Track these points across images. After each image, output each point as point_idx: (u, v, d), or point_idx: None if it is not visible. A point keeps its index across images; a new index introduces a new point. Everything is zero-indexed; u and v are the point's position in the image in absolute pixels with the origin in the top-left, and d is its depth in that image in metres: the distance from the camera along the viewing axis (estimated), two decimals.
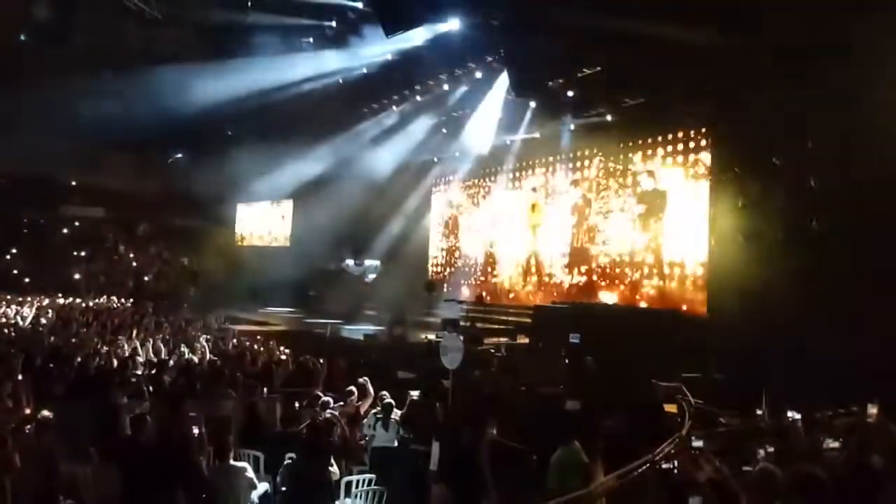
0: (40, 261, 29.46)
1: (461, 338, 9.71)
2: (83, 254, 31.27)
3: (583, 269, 17.68)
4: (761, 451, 5.64)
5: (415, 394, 8.34)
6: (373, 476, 6.17)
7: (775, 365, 9.38)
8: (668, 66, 12.57)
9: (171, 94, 19.30)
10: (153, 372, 9.57)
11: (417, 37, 16.93)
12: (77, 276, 29.81)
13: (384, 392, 8.17)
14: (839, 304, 9.78)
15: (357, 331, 17.65)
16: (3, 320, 16.44)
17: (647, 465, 5.06)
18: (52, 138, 22.99)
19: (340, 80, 20.25)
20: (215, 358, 11.41)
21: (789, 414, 6.65)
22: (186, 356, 11.50)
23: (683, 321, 13.47)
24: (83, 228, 31.68)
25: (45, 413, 5.79)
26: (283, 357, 11.86)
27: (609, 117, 16.17)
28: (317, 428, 6.17)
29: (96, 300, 24.92)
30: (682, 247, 15.01)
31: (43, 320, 16.87)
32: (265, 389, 8.65)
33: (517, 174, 20.22)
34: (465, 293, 21.14)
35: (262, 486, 5.95)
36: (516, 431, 6.33)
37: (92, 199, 30.75)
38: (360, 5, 17.94)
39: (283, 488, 5.82)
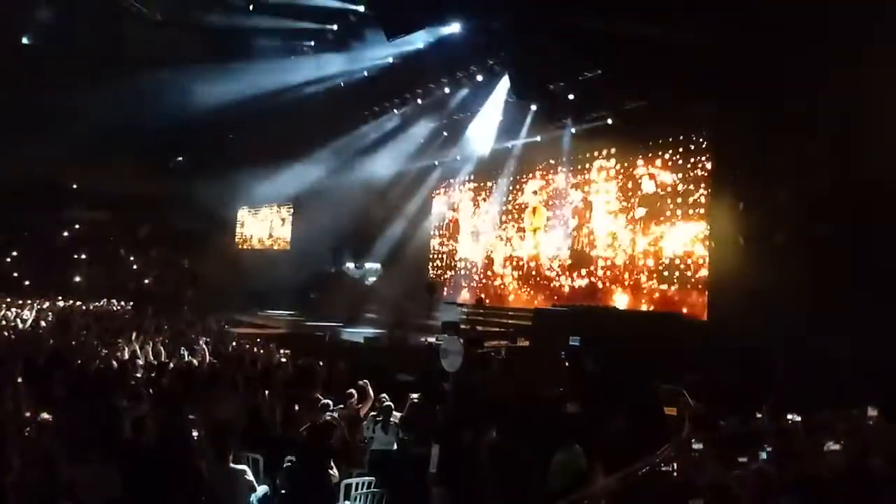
0: (41, 263, 29.50)
1: (461, 340, 9.70)
2: (84, 257, 31.30)
3: (583, 272, 17.69)
4: (762, 454, 5.63)
5: (415, 396, 8.33)
6: (372, 479, 6.18)
7: (776, 367, 9.36)
8: (669, 69, 12.59)
9: (173, 97, 19.35)
10: (153, 375, 9.57)
11: (418, 40, 16.99)
12: (78, 279, 29.84)
13: (384, 394, 8.16)
14: (840, 305, 9.76)
15: (357, 333, 17.65)
16: (4, 323, 16.45)
17: (648, 467, 5.05)
18: (54, 142, 23.03)
19: (342, 84, 20.31)
20: (215, 360, 11.40)
21: (789, 416, 6.63)
22: (186, 359, 11.49)
23: (684, 324, 13.45)
24: (84, 231, 31.74)
25: (46, 416, 5.79)
26: (283, 360, 11.86)
27: (610, 120, 16.21)
28: (317, 430, 6.16)
29: (97, 303, 24.95)
30: (682, 249, 15.03)
31: (43, 323, 16.88)
32: (265, 392, 8.64)
33: (518, 177, 20.22)
34: (465, 296, 21.15)
35: (262, 489, 5.93)
36: (516, 434, 6.32)
37: (93, 202, 30.81)
38: (361, 9, 17.99)
39: (283, 491, 5.82)
